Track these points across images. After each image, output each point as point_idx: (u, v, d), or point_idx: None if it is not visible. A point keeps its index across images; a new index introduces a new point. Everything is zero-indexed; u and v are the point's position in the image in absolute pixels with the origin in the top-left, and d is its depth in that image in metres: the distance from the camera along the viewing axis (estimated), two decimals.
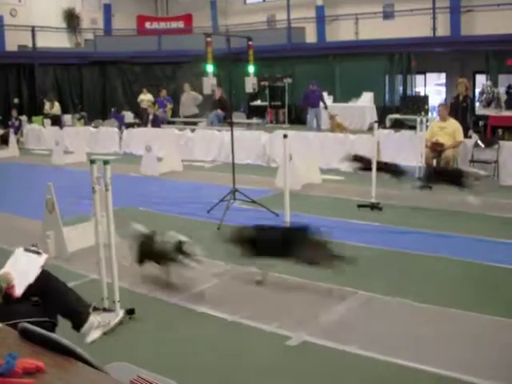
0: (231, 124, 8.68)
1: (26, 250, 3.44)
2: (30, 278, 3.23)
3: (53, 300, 3.33)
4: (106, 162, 4.23)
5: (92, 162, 4.32)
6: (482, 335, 4.02)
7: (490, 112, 13.75)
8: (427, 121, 9.68)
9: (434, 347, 3.82)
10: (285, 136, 6.13)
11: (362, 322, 4.32)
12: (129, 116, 19.33)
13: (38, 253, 3.41)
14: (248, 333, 4.17)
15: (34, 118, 18.81)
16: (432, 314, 4.40)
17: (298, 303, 4.71)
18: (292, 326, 4.19)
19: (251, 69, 8.11)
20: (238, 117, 17.41)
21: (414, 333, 4.09)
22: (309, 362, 3.74)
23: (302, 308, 4.59)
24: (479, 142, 9.85)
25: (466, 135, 10.22)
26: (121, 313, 3.81)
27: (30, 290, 3.21)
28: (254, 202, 7.76)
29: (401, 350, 3.75)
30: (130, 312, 4.36)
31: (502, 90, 15.23)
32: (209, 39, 7.50)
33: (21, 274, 3.21)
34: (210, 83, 7.72)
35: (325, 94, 17.90)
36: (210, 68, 7.59)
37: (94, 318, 3.81)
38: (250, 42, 8.06)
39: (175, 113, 18.56)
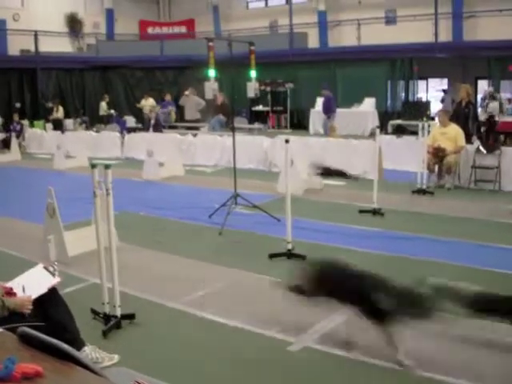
0: (233, 129, 8.68)
1: (45, 268, 3.47)
2: (32, 296, 3.24)
3: (47, 319, 3.30)
4: (107, 167, 4.22)
5: (93, 166, 4.31)
6: (485, 341, 4.00)
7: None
8: (429, 126, 9.65)
9: (435, 353, 3.79)
10: (286, 141, 6.12)
11: (363, 327, 4.29)
12: (130, 121, 19.35)
13: (53, 274, 3.44)
14: (249, 338, 4.15)
15: (35, 123, 18.85)
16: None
17: (299, 308, 4.68)
18: (293, 331, 4.17)
19: (253, 74, 8.12)
20: (240, 122, 17.44)
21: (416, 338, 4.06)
22: (311, 367, 3.72)
23: (303, 313, 4.56)
24: (481, 147, 9.83)
25: (469, 141, 10.19)
26: (116, 357, 3.76)
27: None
28: (255, 206, 7.75)
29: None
30: (130, 317, 4.35)
31: (503, 95, 15.22)
32: (211, 44, 7.50)
33: (26, 290, 3.25)
34: (211, 88, 7.73)
35: None
36: (211, 73, 7.59)
37: (89, 351, 3.62)
38: (252, 47, 8.07)
39: (177, 117, 18.57)
